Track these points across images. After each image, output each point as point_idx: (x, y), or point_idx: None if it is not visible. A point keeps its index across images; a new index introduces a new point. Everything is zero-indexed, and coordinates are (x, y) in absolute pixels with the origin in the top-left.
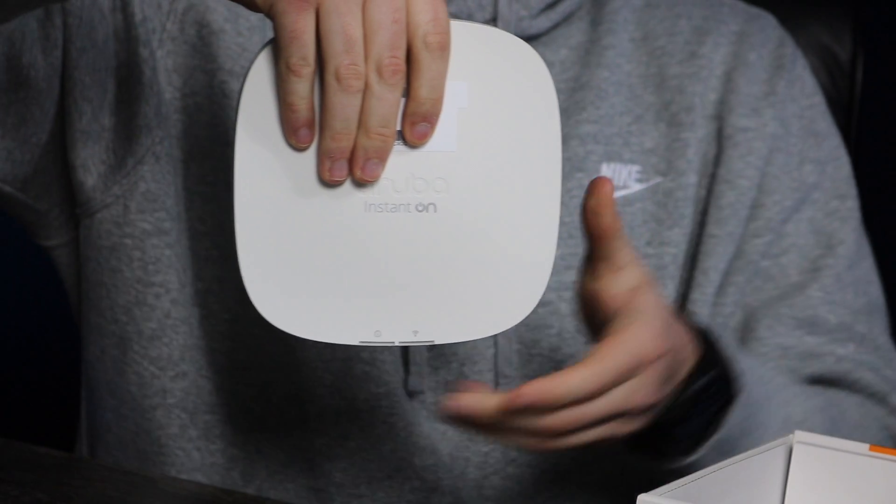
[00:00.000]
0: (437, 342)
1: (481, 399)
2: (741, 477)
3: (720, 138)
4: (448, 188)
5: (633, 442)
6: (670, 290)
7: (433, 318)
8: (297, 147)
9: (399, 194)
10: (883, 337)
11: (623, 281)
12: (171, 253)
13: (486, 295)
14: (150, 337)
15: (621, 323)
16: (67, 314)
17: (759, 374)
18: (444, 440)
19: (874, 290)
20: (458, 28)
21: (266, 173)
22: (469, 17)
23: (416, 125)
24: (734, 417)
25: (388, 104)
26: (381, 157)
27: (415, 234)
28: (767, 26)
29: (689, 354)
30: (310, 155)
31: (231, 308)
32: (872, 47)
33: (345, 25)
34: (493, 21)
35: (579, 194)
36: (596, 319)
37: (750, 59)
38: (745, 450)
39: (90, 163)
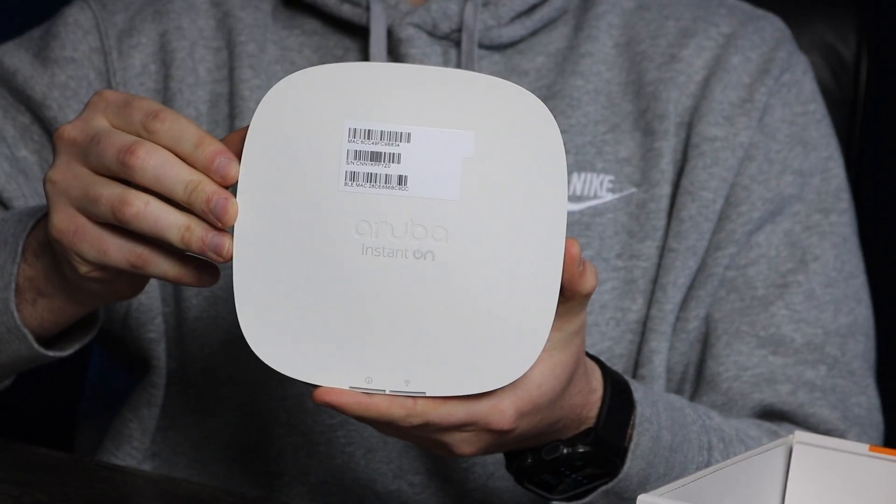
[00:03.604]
0: (428, 394)
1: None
2: (741, 477)
3: (687, 147)
4: (448, 237)
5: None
6: (640, 304)
7: (426, 369)
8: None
9: (397, 240)
10: (859, 361)
11: (553, 341)
12: (164, 345)
13: (482, 349)
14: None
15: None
16: None
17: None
18: (416, 460)
19: (862, 312)
20: (469, 78)
21: (265, 212)
22: (434, 28)
23: None
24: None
25: None
26: None
27: (411, 282)
28: (766, 28)
29: (556, 431)
30: (308, 195)
31: (195, 382)
32: (876, 46)
33: None
34: (457, 31)
35: None
36: None
37: (732, 63)
38: None
39: None
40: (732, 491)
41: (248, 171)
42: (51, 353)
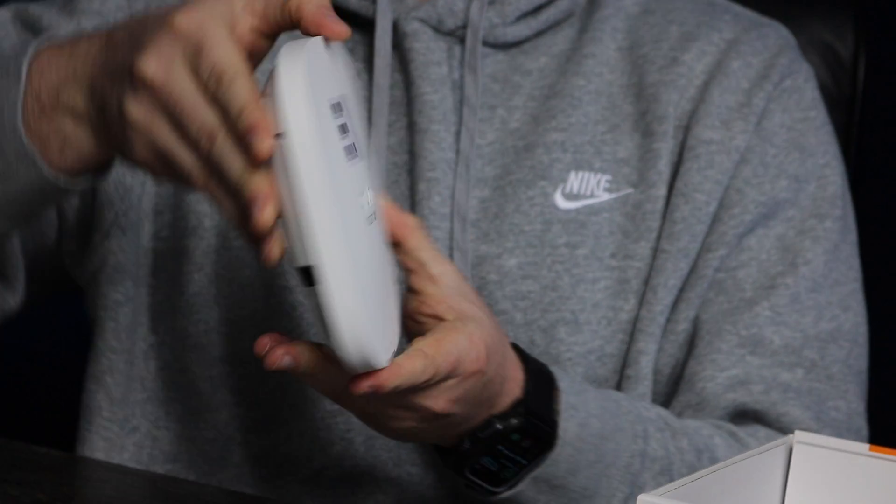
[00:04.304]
0: (405, 338)
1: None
2: (741, 477)
3: (683, 150)
4: (369, 186)
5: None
6: (633, 305)
7: (396, 317)
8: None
9: (370, 202)
10: (839, 367)
11: (445, 287)
12: (137, 317)
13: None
14: (119, 401)
15: (453, 325)
16: (68, 314)
17: (576, 450)
18: (413, 451)
19: (848, 319)
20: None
21: (337, 216)
22: (439, 24)
23: None
24: (529, 485)
25: None
26: None
27: (381, 237)
28: (769, 35)
29: (505, 391)
30: (342, 186)
31: (180, 357)
32: (874, 45)
33: None
34: (462, 28)
35: (541, 202)
36: (425, 329)
37: (732, 68)
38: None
39: (63, 245)
40: (732, 491)
41: (309, 176)
42: (62, 181)
